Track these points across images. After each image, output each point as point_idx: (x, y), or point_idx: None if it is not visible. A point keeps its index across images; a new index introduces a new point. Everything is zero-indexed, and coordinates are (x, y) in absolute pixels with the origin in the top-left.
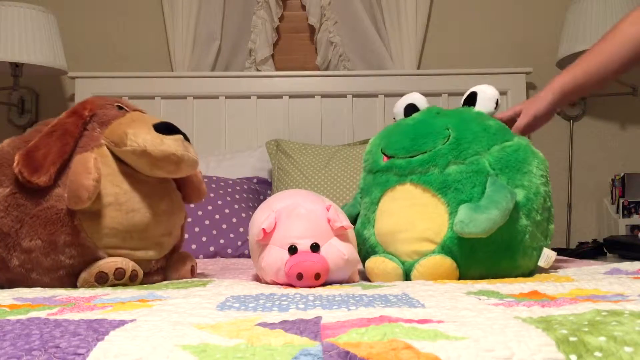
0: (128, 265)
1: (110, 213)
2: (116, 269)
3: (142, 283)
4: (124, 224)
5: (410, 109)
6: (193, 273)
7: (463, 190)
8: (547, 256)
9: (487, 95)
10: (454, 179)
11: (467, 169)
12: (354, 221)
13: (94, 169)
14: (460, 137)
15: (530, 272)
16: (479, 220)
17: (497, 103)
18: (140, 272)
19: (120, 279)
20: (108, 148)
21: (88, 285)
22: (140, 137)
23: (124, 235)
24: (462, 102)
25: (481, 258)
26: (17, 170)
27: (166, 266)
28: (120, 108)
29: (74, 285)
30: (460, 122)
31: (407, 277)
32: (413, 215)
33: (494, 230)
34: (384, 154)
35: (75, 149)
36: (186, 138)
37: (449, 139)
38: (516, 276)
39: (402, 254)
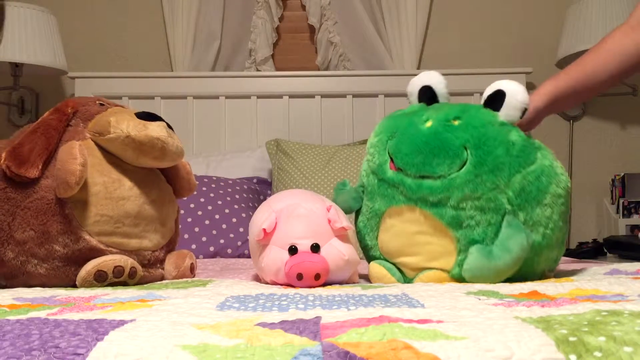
0: (127, 262)
1: (100, 201)
2: (115, 267)
3: (141, 278)
4: (115, 212)
5: (426, 92)
6: (192, 270)
7: (476, 228)
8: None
9: (516, 101)
10: (468, 215)
11: (484, 206)
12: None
13: (79, 154)
14: (478, 166)
15: None
16: (489, 270)
17: (523, 113)
18: (139, 269)
19: (119, 277)
20: (93, 141)
21: (87, 284)
22: (123, 123)
23: (115, 222)
24: (483, 98)
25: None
26: (5, 165)
27: (165, 262)
28: (102, 105)
29: (69, 275)
30: (480, 141)
31: None
32: (421, 245)
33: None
34: (391, 158)
35: (60, 143)
36: (169, 127)
37: (465, 164)
38: None
39: (406, 273)
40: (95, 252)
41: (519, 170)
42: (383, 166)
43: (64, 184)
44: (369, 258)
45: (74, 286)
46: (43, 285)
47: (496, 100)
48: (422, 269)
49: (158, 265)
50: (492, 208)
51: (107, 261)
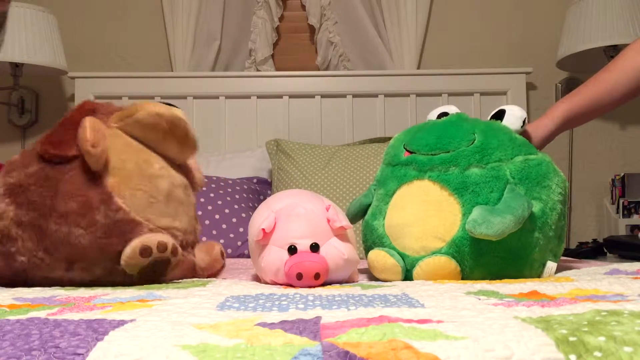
0: (169, 239)
1: (134, 178)
2: (158, 241)
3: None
4: (149, 187)
5: (442, 117)
6: (223, 257)
7: (480, 193)
8: (549, 267)
9: (514, 113)
10: (473, 181)
11: (488, 173)
12: (364, 211)
13: (86, 122)
14: (485, 143)
15: None
16: (492, 222)
17: (524, 122)
18: (179, 249)
19: (163, 252)
20: (119, 129)
21: (134, 260)
22: (150, 105)
23: (150, 197)
24: (489, 118)
25: (488, 262)
26: (42, 150)
27: (196, 250)
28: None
29: (108, 248)
30: (487, 129)
31: (409, 272)
32: (426, 211)
33: (505, 236)
34: (406, 149)
35: None
36: None
37: (474, 142)
38: None
39: (409, 248)
40: (134, 225)
41: (520, 153)
42: (398, 155)
43: (86, 153)
44: (372, 244)
45: (75, 285)
46: (82, 267)
47: (498, 118)
48: (425, 236)
49: (189, 249)
50: (496, 176)
51: (150, 237)
